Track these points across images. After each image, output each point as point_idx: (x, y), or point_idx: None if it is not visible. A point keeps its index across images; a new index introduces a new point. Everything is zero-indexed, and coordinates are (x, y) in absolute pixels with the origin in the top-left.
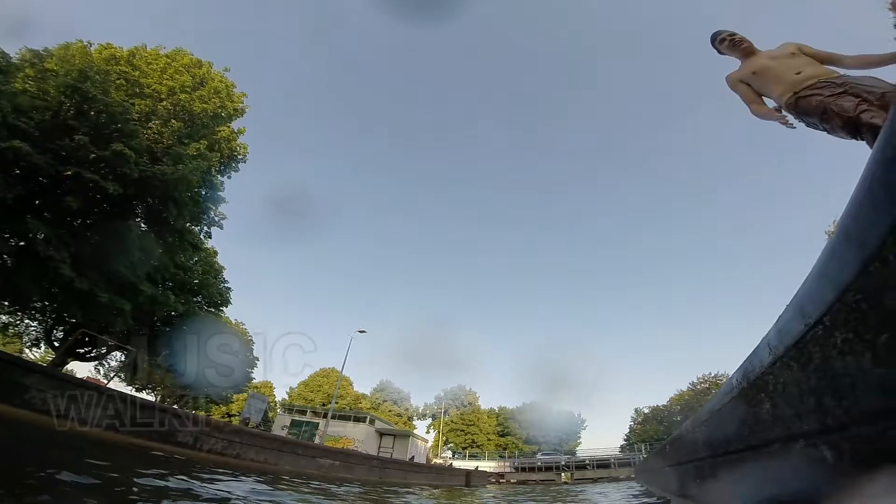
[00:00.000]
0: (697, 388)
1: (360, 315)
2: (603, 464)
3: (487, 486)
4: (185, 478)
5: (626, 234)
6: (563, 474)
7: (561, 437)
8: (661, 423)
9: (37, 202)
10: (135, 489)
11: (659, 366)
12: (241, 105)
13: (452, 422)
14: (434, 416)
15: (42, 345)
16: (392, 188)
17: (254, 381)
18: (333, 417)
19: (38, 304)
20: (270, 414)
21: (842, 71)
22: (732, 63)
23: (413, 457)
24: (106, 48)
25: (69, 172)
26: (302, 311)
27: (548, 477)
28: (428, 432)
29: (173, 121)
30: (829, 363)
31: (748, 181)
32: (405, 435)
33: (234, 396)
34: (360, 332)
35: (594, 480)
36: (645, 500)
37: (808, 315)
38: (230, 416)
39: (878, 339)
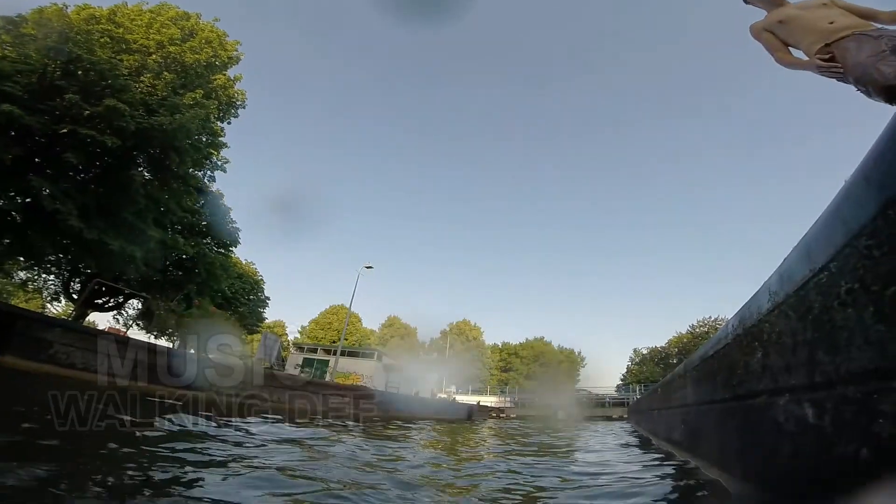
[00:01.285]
0: (696, 332)
1: (368, 251)
2: (598, 402)
3: (488, 420)
4: (205, 422)
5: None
6: (559, 411)
7: (560, 374)
8: (657, 365)
9: (37, 161)
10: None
11: (661, 307)
12: (234, 53)
13: (457, 357)
14: (439, 352)
15: (62, 298)
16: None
17: (266, 320)
18: (343, 354)
19: (53, 258)
20: (284, 353)
21: (878, 25)
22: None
23: (417, 391)
24: (84, 8)
25: (65, 130)
26: (311, 249)
27: (546, 413)
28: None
29: (165, 73)
30: (828, 314)
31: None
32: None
33: (249, 337)
34: (367, 267)
35: (590, 418)
36: (630, 440)
37: (815, 259)
38: (245, 356)
39: (886, 291)
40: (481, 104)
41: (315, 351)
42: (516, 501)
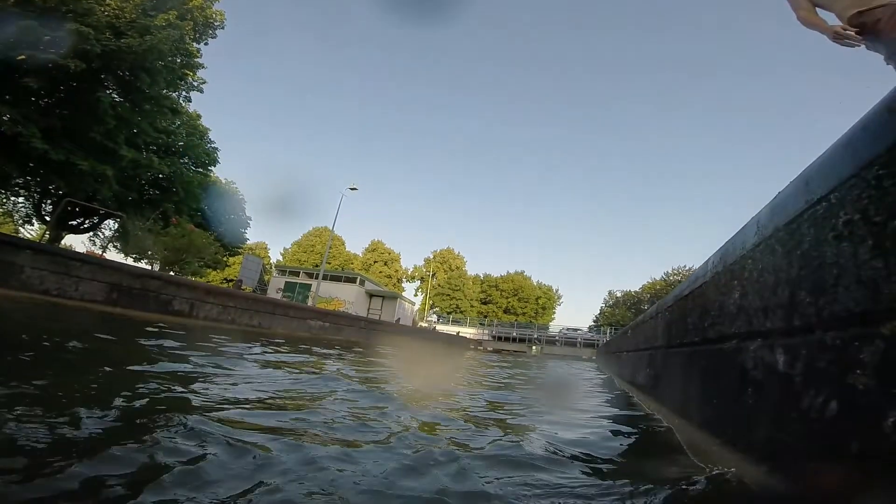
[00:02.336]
0: (670, 279)
1: (354, 172)
2: (570, 342)
3: (466, 352)
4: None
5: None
6: (533, 347)
7: (537, 310)
8: (629, 310)
9: None
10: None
11: (644, 251)
12: None
13: (439, 286)
14: (422, 279)
15: (34, 221)
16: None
17: (248, 241)
18: (325, 278)
19: (21, 181)
20: (266, 277)
21: None
22: None
23: (399, 319)
24: None
25: (22, 57)
26: (296, 167)
27: (520, 348)
28: (416, 295)
29: None
30: (819, 248)
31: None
32: (393, 297)
33: (230, 260)
34: (351, 188)
35: (561, 357)
36: (591, 376)
37: (813, 190)
38: (228, 280)
39: (889, 223)
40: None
41: (297, 274)
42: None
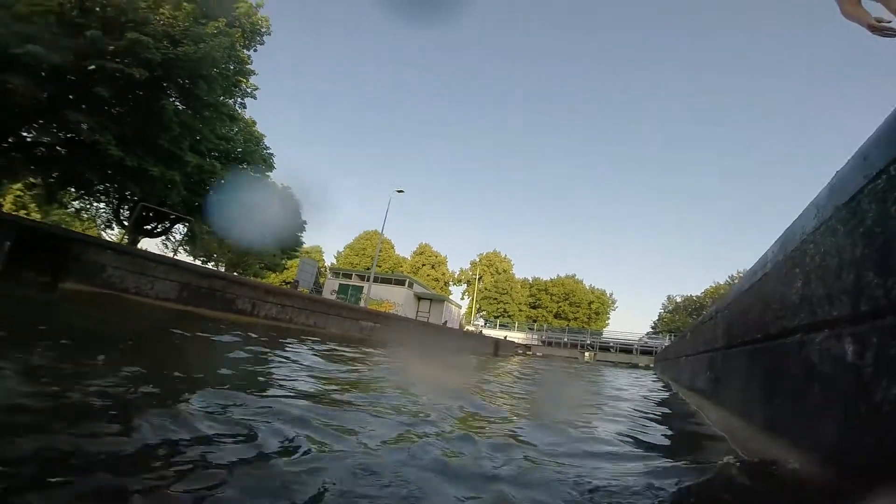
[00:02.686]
0: (735, 282)
1: (401, 175)
2: (626, 348)
3: (514, 357)
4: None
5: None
6: (586, 353)
7: (590, 315)
8: (690, 315)
9: (71, 98)
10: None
11: (704, 254)
12: None
13: (486, 289)
14: (469, 283)
15: (114, 226)
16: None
17: (304, 245)
18: (375, 281)
19: (101, 187)
20: (321, 279)
21: None
22: None
23: (446, 322)
24: None
25: (92, 67)
26: (346, 173)
27: (572, 354)
28: (463, 298)
29: (185, 3)
30: (883, 224)
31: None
32: (441, 300)
33: (288, 263)
34: (398, 191)
35: (615, 364)
36: (650, 383)
37: (872, 164)
38: (286, 283)
39: None
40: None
41: (350, 277)
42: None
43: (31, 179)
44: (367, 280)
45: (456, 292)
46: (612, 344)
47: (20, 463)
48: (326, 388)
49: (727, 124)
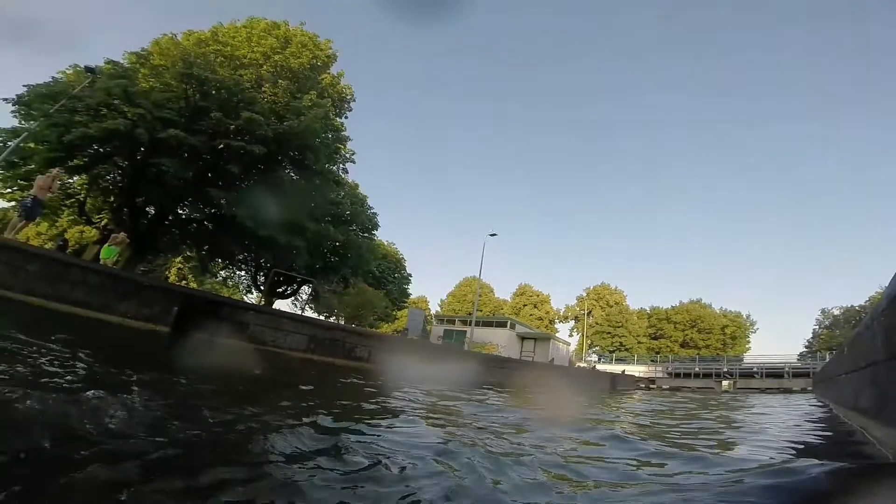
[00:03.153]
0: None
1: (497, 218)
2: (774, 372)
3: (635, 392)
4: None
5: None
6: (724, 382)
7: (725, 340)
8: (854, 328)
9: (209, 175)
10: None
11: (862, 258)
12: (330, 51)
13: (598, 323)
14: (577, 319)
15: (253, 290)
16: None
17: (411, 295)
18: (477, 325)
19: (241, 257)
20: (428, 326)
21: None
22: None
23: (553, 360)
24: (190, 34)
25: (221, 146)
26: (441, 226)
27: (706, 385)
28: (571, 335)
29: (280, 81)
30: None
31: None
32: (546, 338)
33: (398, 313)
34: (491, 235)
35: (761, 391)
36: (809, 409)
37: None
38: (397, 331)
39: None
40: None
41: (454, 322)
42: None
43: (188, 252)
44: (470, 324)
45: (563, 329)
46: (755, 369)
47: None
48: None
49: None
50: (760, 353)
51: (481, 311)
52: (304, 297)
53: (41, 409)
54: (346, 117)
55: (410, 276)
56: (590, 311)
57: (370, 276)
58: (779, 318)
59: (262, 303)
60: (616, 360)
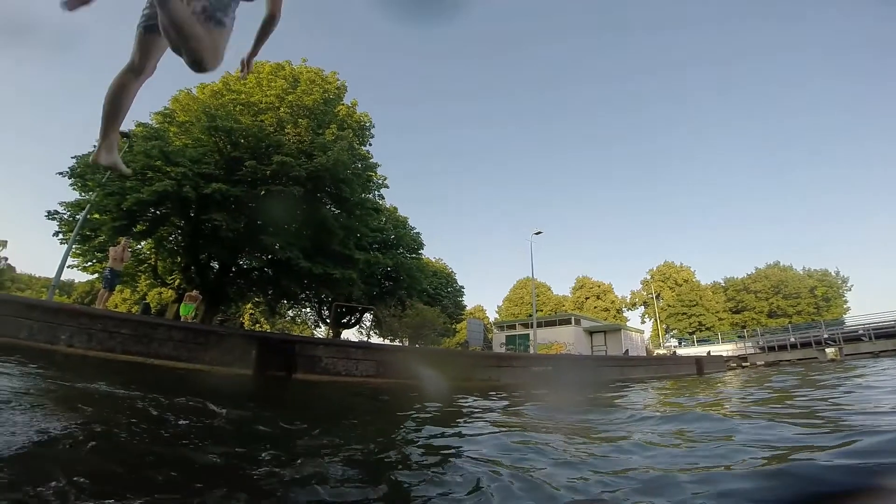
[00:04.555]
0: None
1: (538, 217)
2: (887, 332)
3: (726, 372)
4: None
5: None
6: (828, 350)
7: (817, 304)
8: None
9: (258, 223)
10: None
11: None
12: (338, 83)
13: (669, 305)
14: (646, 304)
15: (321, 325)
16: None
17: (466, 307)
18: (539, 325)
19: (303, 295)
20: (489, 335)
21: None
22: None
23: (627, 350)
24: (203, 87)
25: (263, 192)
26: (485, 232)
27: (806, 355)
28: (643, 322)
29: (300, 120)
30: None
31: None
32: (615, 329)
33: (458, 326)
34: (535, 233)
35: (874, 355)
36: None
37: None
38: (459, 344)
39: None
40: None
41: (514, 327)
42: None
43: (256, 298)
44: (531, 326)
45: (633, 317)
46: (861, 332)
47: None
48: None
49: None
50: (865, 314)
51: (541, 310)
52: (368, 324)
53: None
54: (370, 144)
55: (463, 288)
56: (658, 294)
57: (424, 295)
58: (876, 271)
59: (330, 335)
60: (698, 341)
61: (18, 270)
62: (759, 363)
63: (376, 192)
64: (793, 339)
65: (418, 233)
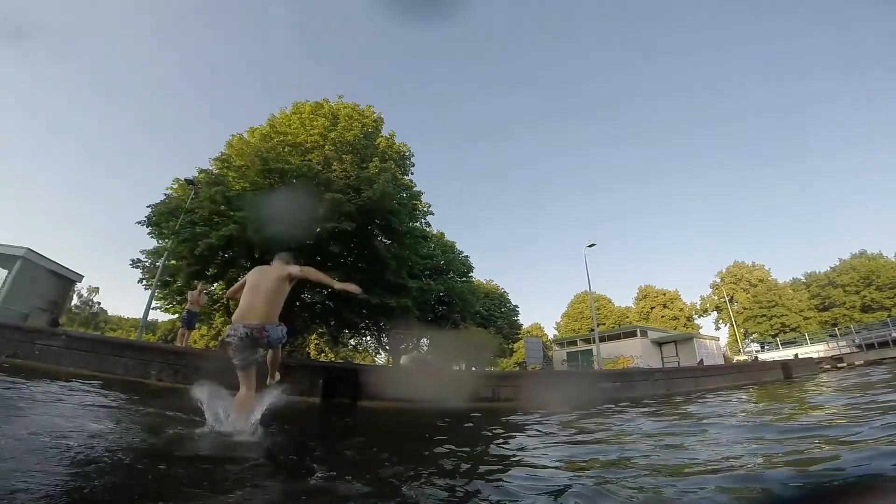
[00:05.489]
0: None
1: (591, 228)
2: None
3: (819, 374)
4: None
5: None
6: None
7: None
8: None
9: (317, 259)
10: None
11: None
12: (374, 116)
13: (745, 308)
14: (718, 309)
15: (381, 352)
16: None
17: (523, 326)
18: (602, 340)
19: (363, 325)
20: (549, 353)
21: None
22: None
23: (702, 360)
24: (253, 131)
25: (318, 229)
26: (535, 249)
27: None
28: (718, 328)
29: (344, 156)
30: None
31: None
32: (687, 338)
33: (515, 346)
34: (589, 246)
35: None
36: None
37: None
38: (517, 364)
39: None
40: None
41: (575, 343)
42: None
43: (319, 329)
44: (593, 342)
45: (706, 324)
46: None
47: None
48: None
49: None
50: None
51: (603, 324)
52: (424, 349)
53: None
54: (412, 173)
55: (517, 307)
56: (731, 297)
57: (478, 317)
58: None
59: (391, 362)
60: (783, 343)
61: (110, 313)
62: (857, 363)
63: (423, 220)
64: (895, 335)
65: (467, 256)
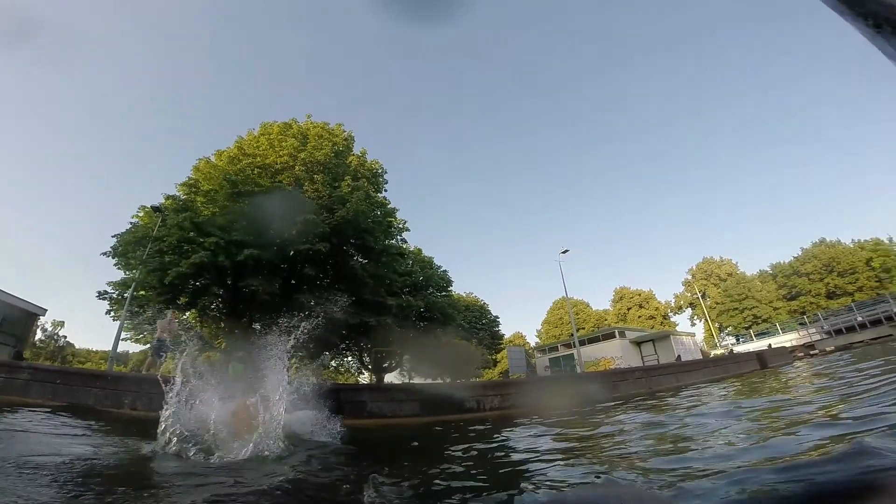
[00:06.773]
0: None
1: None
2: None
3: (794, 363)
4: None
5: None
6: None
7: (878, 276)
8: None
9: (292, 282)
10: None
11: None
12: (344, 135)
13: (718, 303)
14: (692, 305)
15: (364, 371)
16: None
17: (505, 336)
18: (582, 343)
19: (343, 345)
20: (532, 360)
21: None
22: None
23: (679, 356)
24: (220, 154)
25: (292, 252)
26: (512, 259)
27: (880, 333)
28: (693, 324)
29: (315, 176)
30: None
31: None
32: (663, 336)
33: (498, 356)
34: (562, 252)
35: None
36: None
37: None
38: (502, 373)
39: None
40: None
41: (556, 349)
42: None
43: (299, 353)
44: (573, 346)
45: (682, 321)
46: None
47: None
48: None
49: None
50: None
51: (583, 328)
52: (408, 366)
53: None
54: (385, 191)
55: (498, 318)
56: (703, 293)
57: (460, 330)
58: None
59: (374, 380)
60: (757, 335)
61: (77, 346)
62: (828, 349)
63: (399, 237)
64: (860, 319)
65: (445, 271)
